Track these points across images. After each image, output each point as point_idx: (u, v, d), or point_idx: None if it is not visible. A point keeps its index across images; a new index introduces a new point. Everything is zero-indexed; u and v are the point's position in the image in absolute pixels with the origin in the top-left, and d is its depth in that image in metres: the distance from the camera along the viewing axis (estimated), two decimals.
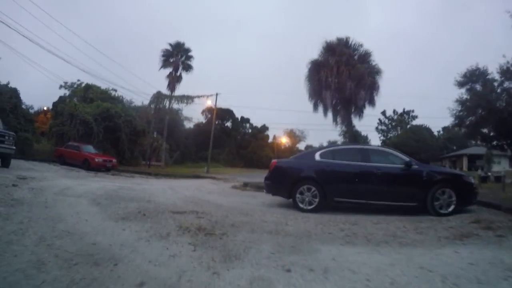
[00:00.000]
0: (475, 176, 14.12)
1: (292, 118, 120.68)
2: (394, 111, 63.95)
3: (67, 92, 28.43)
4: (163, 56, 32.08)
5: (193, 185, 13.75)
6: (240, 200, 9.06)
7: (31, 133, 22.96)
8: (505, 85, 20.39)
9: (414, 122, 61.75)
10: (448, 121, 41.39)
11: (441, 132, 58.95)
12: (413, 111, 63.78)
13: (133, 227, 4.60)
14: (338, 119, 23.21)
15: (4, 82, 22.67)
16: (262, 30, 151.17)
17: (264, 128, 63.58)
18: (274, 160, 8.72)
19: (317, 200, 7.35)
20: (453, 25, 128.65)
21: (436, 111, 72.44)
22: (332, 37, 23.26)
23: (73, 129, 22.02)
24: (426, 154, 44.93)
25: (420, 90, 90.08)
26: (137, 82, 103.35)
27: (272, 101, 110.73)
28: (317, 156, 7.86)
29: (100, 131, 22.41)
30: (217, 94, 30.87)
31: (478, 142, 30.08)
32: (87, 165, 17.68)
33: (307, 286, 2.79)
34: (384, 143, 55.28)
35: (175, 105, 32.95)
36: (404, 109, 64.21)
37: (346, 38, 22.70)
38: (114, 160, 19.57)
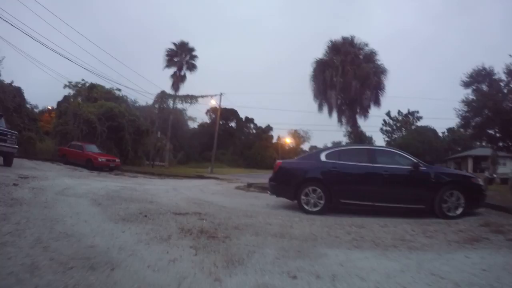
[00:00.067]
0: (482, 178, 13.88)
1: (297, 119, 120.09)
2: (398, 112, 63.67)
3: (71, 92, 28.37)
4: (167, 55, 32.12)
5: (196, 185, 13.66)
6: (244, 201, 8.91)
7: (34, 132, 22.91)
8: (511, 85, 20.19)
9: (419, 123, 61.46)
10: (453, 122, 41.23)
11: (446, 133, 58.57)
12: (418, 112, 63.48)
13: (133, 229, 4.47)
14: (343, 120, 23.04)
15: (8, 81, 22.68)
16: (266, 29, 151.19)
17: (268, 128, 63.62)
18: (278, 161, 8.58)
19: (322, 202, 7.18)
20: (459, 25, 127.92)
21: (441, 112, 72.04)
22: (337, 36, 23.18)
23: (76, 129, 22.01)
24: (430, 155, 44.60)
25: (425, 91, 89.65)
26: (142, 82, 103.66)
27: (276, 101, 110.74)
28: (322, 157, 7.69)
29: (103, 131, 22.36)
30: (221, 94, 30.86)
31: (484, 144, 29.82)
32: (90, 165, 17.62)
33: None
34: (388, 144, 54.91)
35: (179, 105, 32.99)
36: (409, 110, 63.90)
37: (351, 38, 22.55)
38: (117, 160, 19.49)
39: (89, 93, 27.28)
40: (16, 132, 13.22)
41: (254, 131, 66.08)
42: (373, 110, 22.80)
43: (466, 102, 23.01)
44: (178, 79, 31.79)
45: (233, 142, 57.76)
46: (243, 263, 3.30)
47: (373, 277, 3.06)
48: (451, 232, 5.35)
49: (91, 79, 29.54)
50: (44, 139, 24.59)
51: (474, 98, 22.64)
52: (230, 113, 57.65)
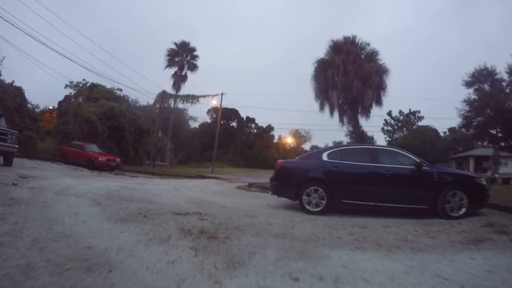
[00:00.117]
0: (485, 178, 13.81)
1: (298, 118, 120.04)
2: (400, 111, 63.53)
3: (72, 92, 28.36)
4: (168, 55, 32.07)
5: (197, 185, 13.60)
6: (245, 201, 8.85)
7: (35, 132, 22.89)
8: None
9: (420, 123, 61.30)
10: (454, 122, 41.13)
11: (447, 133, 58.44)
12: (419, 111, 63.33)
13: (132, 230, 4.40)
14: (345, 119, 22.93)
15: (9, 81, 22.68)
16: (267, 29, 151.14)
17: (269, 128, 63.56)
18: (280, 161, 8.52)
19: (324, 202, 7.11)
20: (460, 24, 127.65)
21: (442, 112, 71.82)
22: (338, 36, 23.10)
23: (77, 128, 21.96)
24: (432, 155, 44.44)
25: (427, 91, 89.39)
26: (143, 82, 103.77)
27: (277, 101, 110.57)
28: (324, 157, 7.61)
29: (104, 130, 22.31)
30: (222, 94, 30.81)
31: (485, 144, 29.74)
32: (91, 164, 17.56)
33: None
34: (390, 144, 54.77)
35: (180, 105, 32.86)
36: (410, 110, 63.77)
37: (353, 37, 22.43)
38: (118, 160, 19.44)
39: (90, 93, 27.26)
40: (16, 132, 13.17)
41: (255, 130, 66.06)
42: (374, 110, 22.73)
43: (468, 102, 22.97)
44: (179, 79, 31.72)
45: (234, 142, 57.75)
46: (244, 264, 3.23)
47: (376, 279, 3.00)
48: (455, 232, 5.28)
49: (92, 79, 29.47)
50: (44, 139, 24.56)
51: (476, 97, 22.58)
52: (231, 113, 57.61)
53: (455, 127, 48.50)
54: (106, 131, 22.44)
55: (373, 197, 7.07)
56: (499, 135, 22.96)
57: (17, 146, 12.70)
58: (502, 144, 23.62)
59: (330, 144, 47.94)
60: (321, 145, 57.62)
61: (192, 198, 8.65)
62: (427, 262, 3.61)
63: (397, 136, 62.11)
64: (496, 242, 4.63)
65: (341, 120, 23.05)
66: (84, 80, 28.33)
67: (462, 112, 23.60)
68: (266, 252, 3.70)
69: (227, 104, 41.46)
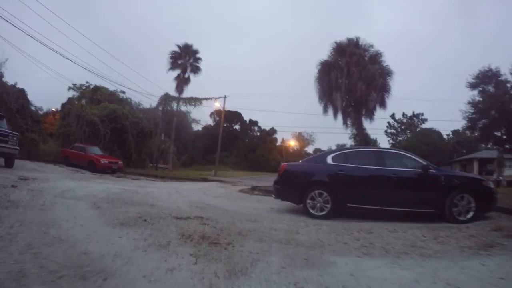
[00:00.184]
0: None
1: (301, 121, 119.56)
2: (403, 114, 63.18)
3: (75, 94, 28.42)
4: (171, 58, 32.01)
5: (200, 188, 13.50)
6: (248, 205, 8.71)
7: (37, 134, 22.84)
8: None
9: (424, 126, 60.94)
10: (458, 124, 40.90)
11: (451, 136, 58.06)
12: (422, 114, 62.93)
13: (131, 234, 4.26)
14: (348, 122, 22.73)
15: (12, 82, 22.65)
16: (270, 32, 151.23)
17: (273, 131, 63.51)
18: (284, 164, 8.38)
19: (329, 206, 6.96)
20: (462, 25, 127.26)
21: (446, 114, 71.46)
22: (341, 37, 22.96)
23: (79, 130, 21.91)
24: (436, 158, 44.11)
25: (430, 93, 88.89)
26: (146, 84, 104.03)
27: (281, 103, 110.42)
28: (329, 159, 7.47)
29: (106, 133, 22.25)
30: (225, 97, 30.77)
31: (489, 146, 29.47)
32: (93, 167, 17.48)
33: None
34: (393, 147, 54.50)
35: (183, 107, 32.80)
36: (413, 112, 63.39)
37: (357, 39, 22.26)
38: (120, 162, 19.36)
39: (93, 95, 27.27)
40: (17, 133, 13.12)
41: (258, 133, 66.12)
42: (378, 112, 22.51)
43: (473, 104, 22.75)
44: (182, 82, 31.63)
45: (237, 145, 57.77)
46: (247, 273, 3.07)
47: None
48: (463, 237, 5.15)
49: (95, 81, 29.60)
50: (47, 141, 24.55)
51: (481, 99, 22.37)
52: (234, 116, 57.62)
53: (458, 130, 48.18)
54: (109, 134, 22.38)
55: (379, 201, 6.93)
56: (504, 137, 22.73)
57: (18, 148, 12.63)
58: (507, 146, 23.37)
59: (333, 147, 47.79)
60: (324, 148, 57.51)
61: (194, 201, 8.51)
62: (437, 269, 3.47)
63: (401, 138, 61.76)
64: (506, 247, 4.52)
65: (344, 122, 22.89)
66: (87, 82, 28.41)
67: (467, 114, 23.41)
68: (270, 259, 3.55)
69: (230, 107, 41.39)
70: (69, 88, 28.00)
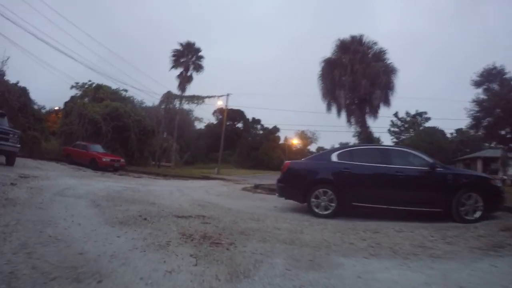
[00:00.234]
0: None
1: (304, 119, 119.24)
2: (406, 112, 62.82)
3: (78, 92, 28.39)
4: (173, 56, 31.98)
5: (202, 186, 13.38)
6: (251, 203, 8.57)
7: (40, 132, 22.79)
8: None
9: (427, 124, 60.58)
10: (461, 123, 40.57)
11: (454, 134, 57.72)
12: (426, 112, 62.57)
13: (129, 234, 4.12)
14: (352, 120, 22.48)
15: (14, 81, 22.62)
16: (273, 30, 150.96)
17: (275, 129, 63.31)
18: (287, 161, 8.22)
19: (333, 204, 6.81)
20: (466, 25, 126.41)
21: (449, 113, 71.04)
22: (345, 36, 22.66)
23: (81, 128, 21.85)
24: (439, 156, 43.84)
25: (433, 91, 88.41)
26: (149, 82, 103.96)
27: (283, 102, 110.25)
28: (334, 157, 7.31)
29: (108, 131, 22.14)
30: (228, 95, 30.60)
31: (492, 145, 29.23)
32: (95, 165, 17.38)
33: None
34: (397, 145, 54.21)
35: (186, 106, 32.75)
36: (417, 111, 63.02)
37: (360, 36, 22.02)
38: (122, 160, 19.22)
39: (95, 93, 27.18)
40: (18, 131, 13.02)
41: (261, 132, 65.91)
42: (382, 110, 22.27)
43: (477, 102, 22.55)
44: (184, 80, 31.59)
45: (240, 143, 57.61)
46: (249, 275, 2.91)
47: None
48: (472, 237, 5.03)
49: (98, 79, 29.52)
50: (49, 139, 24.52)
51: (485, 97, 22.17)
52: (237, 114, 57.46)
53: (461, 128, 47.89)
54: (111, 132, 22.27)
55: (385, 199, 6.79)
56: (508, 136, 22.51)
57: (19, 145, 12.52)
58: (511, 145, 23.15)
59: (337, 145, 47.62)
60: (327, 146, 57.28)
61: (196, 199, 8.40)
62: (448, 271, 3.34)
63: (404, 137, 61.46)
64: None
65: (348, 120, 22.67)
66: (89, 81, 28.36)
67: (471, 112, 23.21)
68: (274, 260, 3.40)
69: (233, 105, 41.20)
70: (72, 86, 27.97)
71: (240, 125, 62.92)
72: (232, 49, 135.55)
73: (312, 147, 69.89)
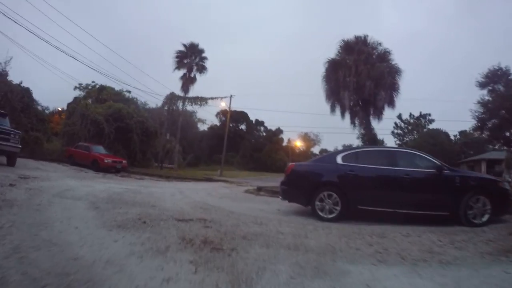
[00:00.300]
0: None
1: (307, 121, 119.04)
2: (410, 114, 62.60)
3: (81, 93, 28.48)
4: (177, 57, 31.85)
5: (204, 188, 13.26)
6: (254, 206, 8.42)
7: (42, 133, 22.79)
8: None
9: (431, 126, 60.32)
10: (465, 125, 40.32)
11: (458, 136, 57.40)
12: (429, 114, 62.33)
13: (127, 238, 3.97)
14: (356, 121, 22.25)
15: (17, 81, 22.68)
16: (276, 31, 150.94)
17: (279, 131, 63.12)
18: (291, 163, 8.08)
19: (338, 208, 6.63)
20: (470, 26, 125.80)
21: (453, 115, 70.68)
22: (349, 37, 22.47)
23: (84, 129, 21.82)
24: (443, 158, 43.51)
25: (437, 93, 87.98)
26: (152, 84, 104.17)
27: (287, 103, 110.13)
28: (339, 159, 7.13)
29: (111, 132, 22.09)
30: (231, 96, 30.52)
31: (497, 147, 28.96)
32: (96, 166, 17.32)
33: None
34: (401, 147, 53.93)
35: (189, 107, 32.66)
36: (420, 113, 62.78)
37: (364, 36, 21.77)
38: (124, 161, 19.16)
39: (98, 94, 27.22)
40: (19, 132, 12.97)
41: (264, 133, 65.76)
42: (387, 112, 22.02)
43: (482, 103, 22.34)
44: (187, 81, 31.45)
45: (243, 145, 57.46)
46: (252, 284, 2.75)
47: None
48: (481, 242, 4.86)
49: (101, 81, 29.59)
50: (51, 140, 24.50)
51: (490, 99, 21.96)
52: (240, 116, 57.33)
53: (465, 130, 47.63)
54: (113, 133, 22.21)
55: (391, 202, 6.59)
56: None
57: (20, 146, 12.46)
58: None
59: (340, 147, 47.38)
60: (331, 148, 57.08)
61: (198, 202, 8.26)
62: (459, 278, 3.19)
63: (408, 139, 61.19)
64: None
65: (352, 122, 22.41)
66: (93, 82, 28.47)
67: (476, 114, 23.03)
68: (277, 267, 3.23)
69: (236, 106, 41.12)
70: (75, 87, 28.08)
71: (243, 126, 62.79)
72: (236, 50, 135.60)
73: (316, 149, 69.80)
